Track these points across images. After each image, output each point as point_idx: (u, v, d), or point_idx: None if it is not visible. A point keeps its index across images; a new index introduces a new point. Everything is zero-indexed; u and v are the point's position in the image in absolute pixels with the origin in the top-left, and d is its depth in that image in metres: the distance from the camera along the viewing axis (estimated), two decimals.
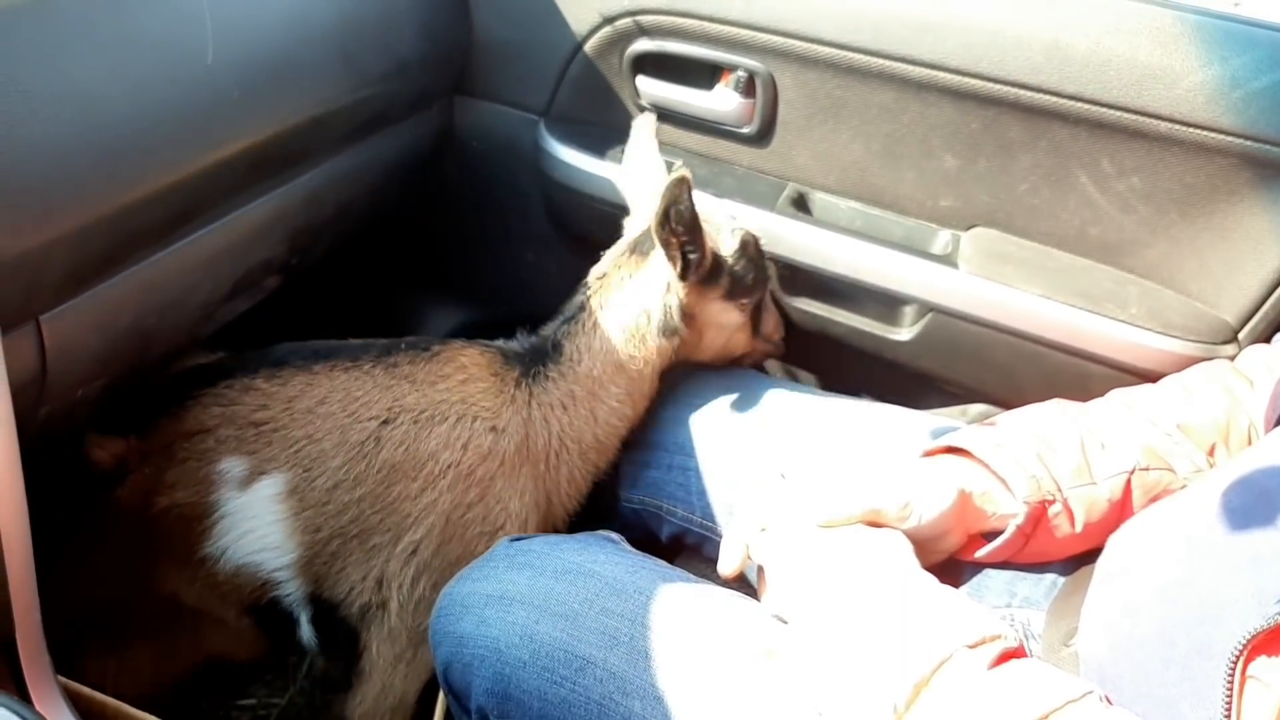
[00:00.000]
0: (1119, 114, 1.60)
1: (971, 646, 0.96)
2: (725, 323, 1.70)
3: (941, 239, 1.83)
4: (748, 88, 1.87)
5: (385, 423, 1.54)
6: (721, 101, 1.89)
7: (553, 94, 2.01)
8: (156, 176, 1.31)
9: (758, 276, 1.70)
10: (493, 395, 1.61)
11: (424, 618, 1.56)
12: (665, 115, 1.95)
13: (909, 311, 1.85)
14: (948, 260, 1.78)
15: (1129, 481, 1.24)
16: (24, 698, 1.12)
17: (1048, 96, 1.63)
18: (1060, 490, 1.21)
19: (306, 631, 1.62)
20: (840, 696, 0.99)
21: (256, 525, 1.52)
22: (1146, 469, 1.24)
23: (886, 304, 1.85)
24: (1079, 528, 1.23)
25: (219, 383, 1.55)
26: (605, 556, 1.28)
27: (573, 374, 1.63)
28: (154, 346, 1.47)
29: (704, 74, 1.90)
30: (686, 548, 1.65)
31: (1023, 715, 0.91)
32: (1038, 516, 1.21)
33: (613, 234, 1.79)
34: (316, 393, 1.54)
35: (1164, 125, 1.58)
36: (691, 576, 1.28)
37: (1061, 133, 1.66)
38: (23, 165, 1.13)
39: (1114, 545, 1.17)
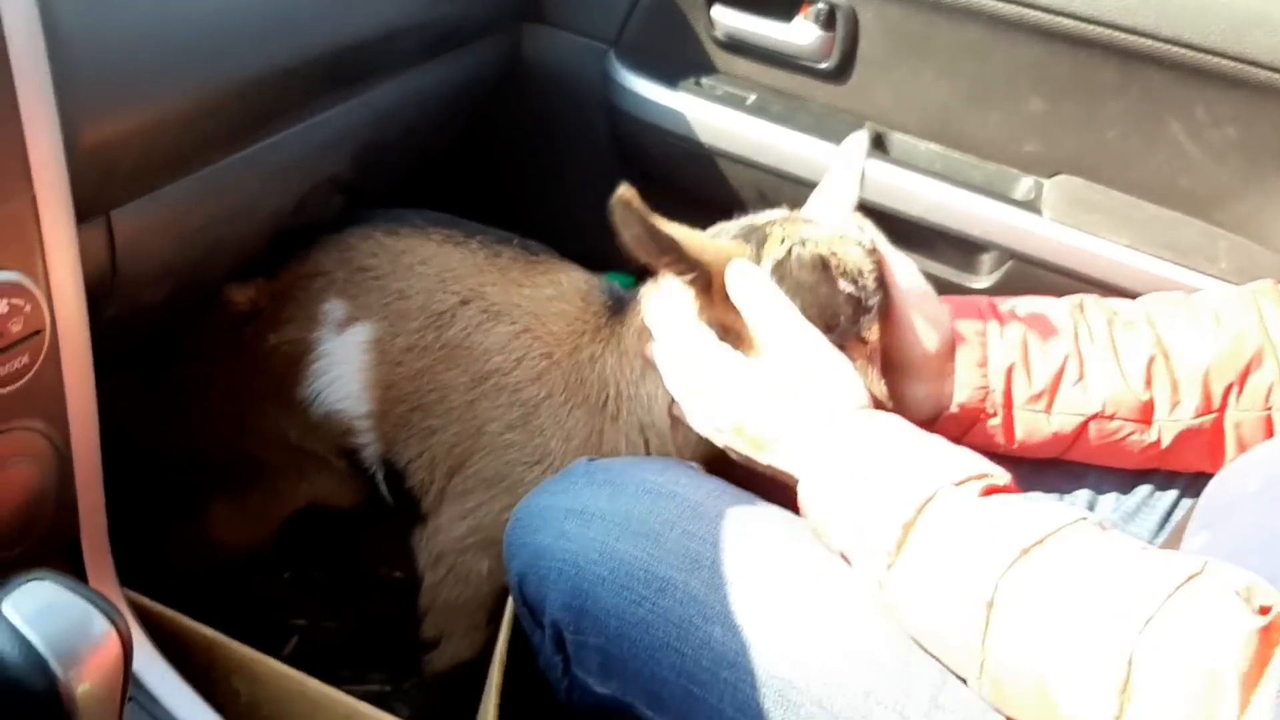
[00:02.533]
0: (1217, 60, 1.52)
1: (957, 484, 1.01)
2: None
3: (1024, 185, 1.76)
4: (828, 21, 1.79)
5: (464, 302, 1.55)
6: (800, 34, 1.82)
7: (624, 22, 1.94)
8: (232, 77, 1.27)
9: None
10: (566, 323, 1.54)
11: (461, 528, 1.56)
12: (740, 48, 1.88)
13: (988, 258, 1.79)
14: (1030, 207, 1.71)
15: (1085, 424, 1.29)
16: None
17: (1142, 39, 1.55)
18: (1009, 407, 1.28)
19: (384, 489, 1.65)
20: (846, 547, 1.08)
21: (343, 371, 1.56)
22: (1110, 418, 1.28)
23: (965, 249, 1.79)
24: (1014, 445, 1.30)
25: (344, 230, 1.60)
26: (687, 479, 1.24)
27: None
28: (221, 255, 1.44)
29: (782, 4, 1.82)
30: None
31: (1016, 541, 0.95)
32: (972, 418, 1.29)
33: (681, 169, 1.74)
34: (421, 254, 1.57)
35: (1263, 74, 1.50)
36: (774, 506, 1.25)
37: (1155, 78, 1.59)
38: (100, 54, 1.10)
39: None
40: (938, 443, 1.08)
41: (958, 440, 1.16)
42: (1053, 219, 1.69)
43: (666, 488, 1.22)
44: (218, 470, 1.76)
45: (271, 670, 1.32)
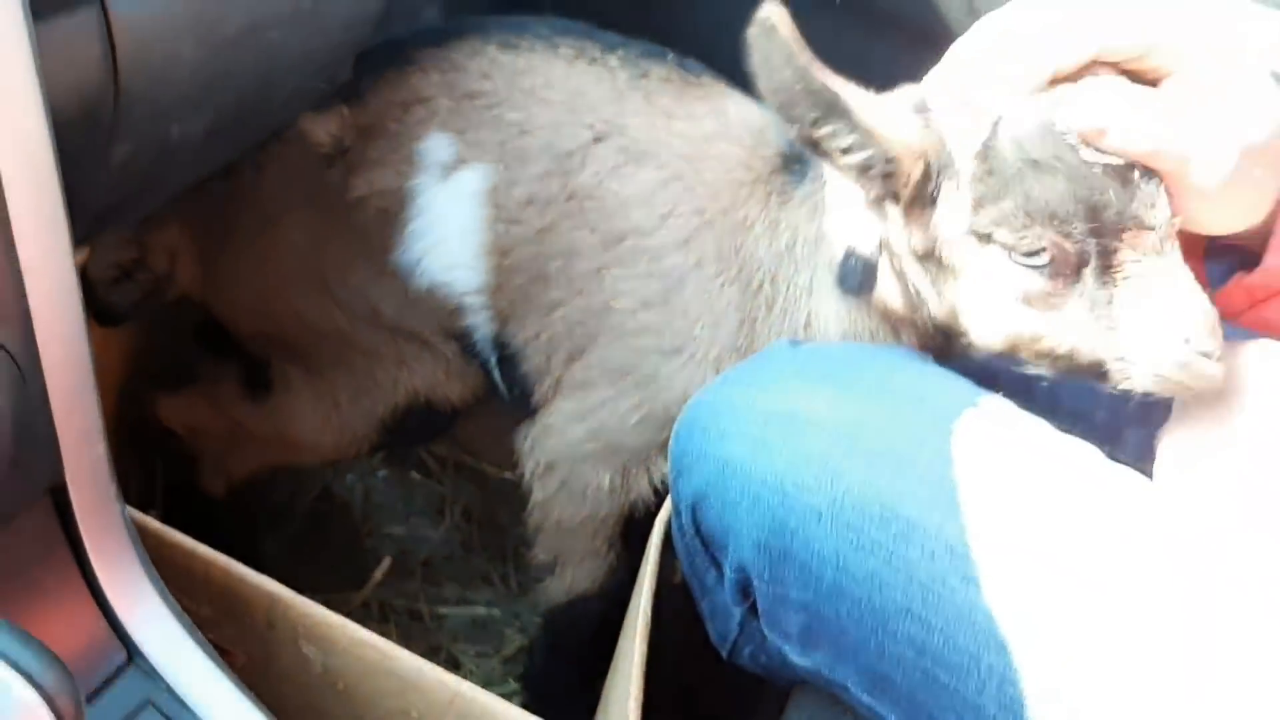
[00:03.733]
0: None
1: None
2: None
3: None
4: None
5: (598, 139, 1.35)
6: None
7: None
8: None
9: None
10: (728, 173, 1.31)
11: (578, 430, 1.41)
12: None
13: None
14: None
15: None
16: (80, 561, 0.85)
17: None
18: None
19: (499, 379, 1.50)
20: None
21: (449, 232, 1.40)
22: None
23: None
24: None
25: (448, 44, 1.42)
26: (941, 383, 1.03)
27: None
28: (282, 73, 1.15)
29: None
30: None
31: None
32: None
33: None
34: (547, 75, 1.38)
35: None
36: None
37: None
38: None
39: None
40: None
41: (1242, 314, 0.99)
42: None
43: (915, 390, 1.03)
44: (298, 354, 1.55)
45: (351, 638, 1.08)
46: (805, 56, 0.93)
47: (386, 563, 1.75)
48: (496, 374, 1.50)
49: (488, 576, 1.82)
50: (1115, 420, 1.12)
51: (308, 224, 1.47)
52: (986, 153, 0.95)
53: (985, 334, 1.06)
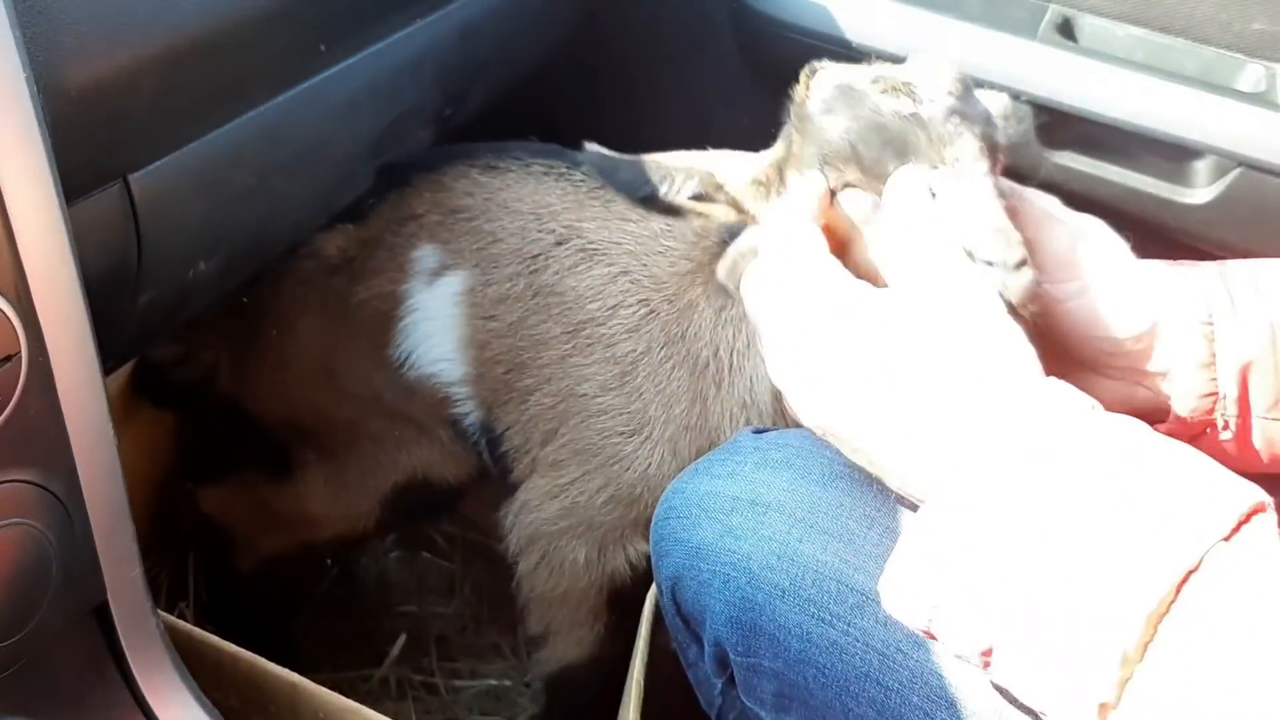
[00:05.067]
0: None
1: (1228, 536, 0.68)
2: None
3: (1252, 74, 1.52)
4: None
5: (559, 242, 1.45)
6: None
7: None
8: None
9: None
10: (672, 265, 1.40)
11: (552, 508, 1.47)
12: None
13: (1204, 167, 1.53)
14: (1263, 100, 1.47)
15: None
16: (122, 671, 0.93)
17: None
18: (1245, 416, 0.96)
19: (489, 460, 1.57)
20: (1011, 634, 0.72)
21: (435, 328, 1.49)
22: None
23: (1176, 158, 1.54)
24: (1253, 461, 0.97)
25: (439, 167, 1.53)
26: None
27: None
28: (285, 213, 1.26)
29: None
30: None
31: None
32: (1191, 433, 0.96)
33: None
34: (519, 190, 1.49)
35: None
36: None
37: None
38: None
39: None
40: (1188, 461, 0.73)
41: None
42: None
43: (863, 473, 0.98)
44: (314, 439, 1.66)
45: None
46: None
47: (402, 639, 1.81)
48: (486, 455, 1.56)
49: (499, 648, 1.87)
50: None
51: (319, 326, 1.56)
52: (798, 112, 0.97)
53: None
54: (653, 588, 1.29)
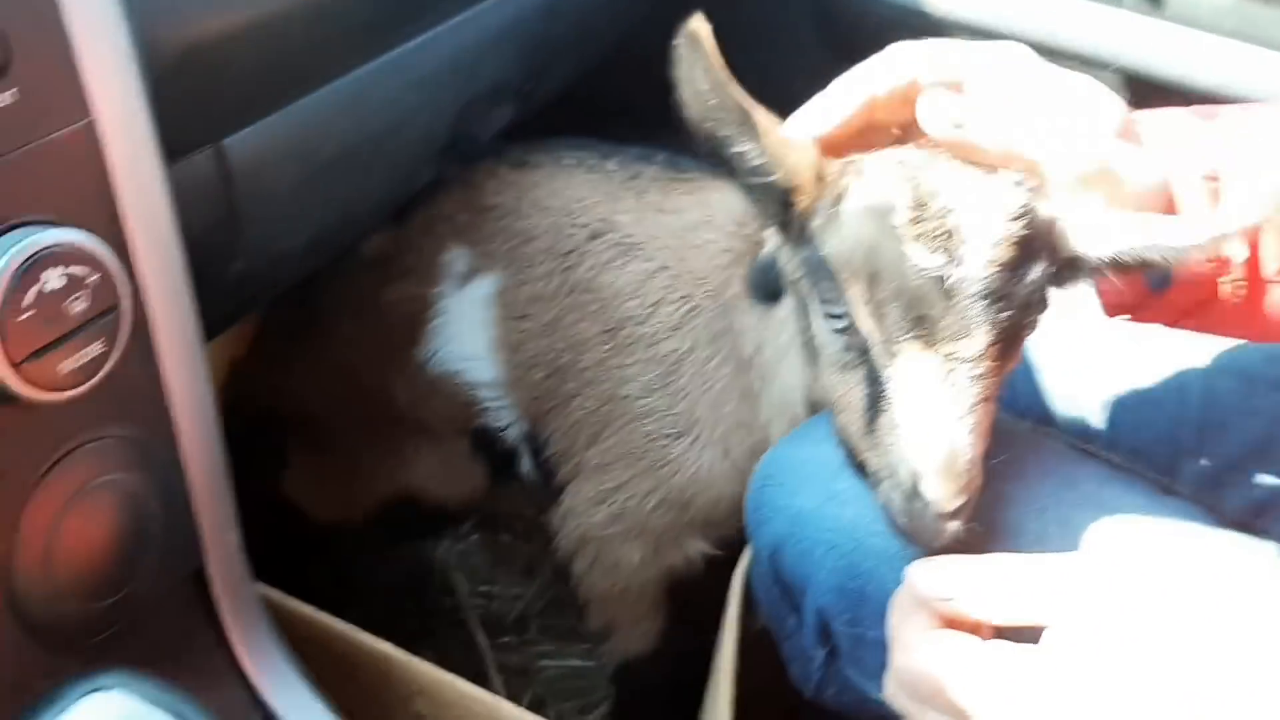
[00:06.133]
0: None
1: None
2: None
3: None
4: None
5: (593, 236, 1.40)
6: None
7: None
8: None
9: None
10: (712, 259, 1.33)
11: (600, 514, 1.44)
12: None
13: None
14: None
15: None
16: (219, 637, 0.93)
17: None
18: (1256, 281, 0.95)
19: (526, 465, 1.55)
20: None
21: (463, 329, 1.47)
22: None
23: None
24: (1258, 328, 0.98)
25: (472, 167, 1.50)
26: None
27: None
28: (368, 189, 1.25)
29: None
30: None
31: None
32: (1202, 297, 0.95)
33: None
34: (550, 185, 1.45)
35: None
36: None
37: None
38: None
39: None
40: None
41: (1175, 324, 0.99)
42: None
43: None
44: (311, 437, 1.66)
45: (459, 692, 1.15)
46: (724, 73, 0.88)
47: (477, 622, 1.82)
48: (529, 463, 1.53)
49: (578, 631, 1.84)
50: (1172, 452, 1.09)
51: (350, 324, 1.56)
52: (830, 220, 0.88)
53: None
54: (739, 569, 1.28)
